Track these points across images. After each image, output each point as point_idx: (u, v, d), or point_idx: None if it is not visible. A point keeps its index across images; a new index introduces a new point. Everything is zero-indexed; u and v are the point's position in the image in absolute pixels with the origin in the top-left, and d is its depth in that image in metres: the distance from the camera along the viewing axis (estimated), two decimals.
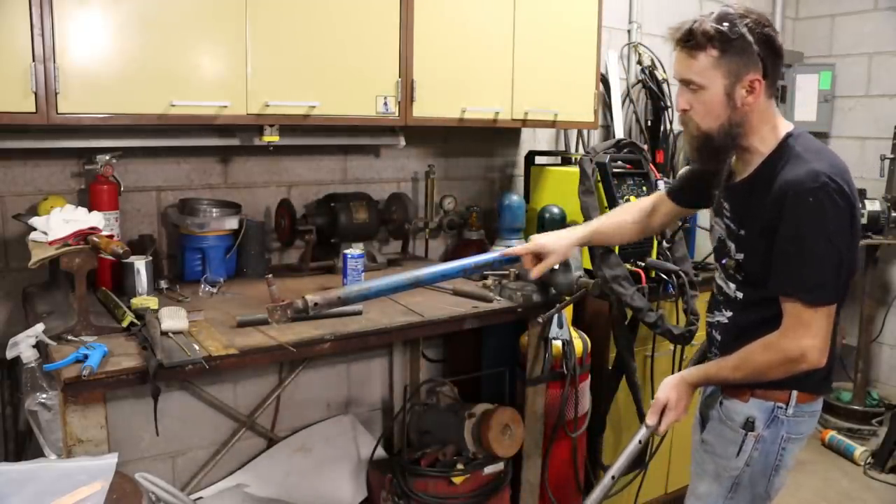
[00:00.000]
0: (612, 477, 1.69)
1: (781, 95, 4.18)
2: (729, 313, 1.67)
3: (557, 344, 2.53)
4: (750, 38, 1.46)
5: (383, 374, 2.98)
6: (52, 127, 1.93)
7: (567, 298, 2.24)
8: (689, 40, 1.49)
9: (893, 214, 3.67)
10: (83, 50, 1.85)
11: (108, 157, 2.14)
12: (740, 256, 1.60)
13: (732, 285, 1.64)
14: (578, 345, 2.61)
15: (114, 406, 2.28)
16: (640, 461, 2.64)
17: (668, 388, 1.68)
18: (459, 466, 2.41)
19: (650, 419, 1.68)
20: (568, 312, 2.64)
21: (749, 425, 1.60)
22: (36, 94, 1.79)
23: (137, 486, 1.50)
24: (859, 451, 3.60)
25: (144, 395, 1.98)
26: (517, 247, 2.00)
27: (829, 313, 1.47)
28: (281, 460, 2.66)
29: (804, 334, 1.46)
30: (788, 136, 1.54)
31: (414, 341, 2.86)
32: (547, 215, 2.77)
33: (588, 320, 2.81)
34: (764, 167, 1.54)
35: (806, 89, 4.21)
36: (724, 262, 1.66)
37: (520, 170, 3.25)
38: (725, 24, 1.46)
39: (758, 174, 1.55)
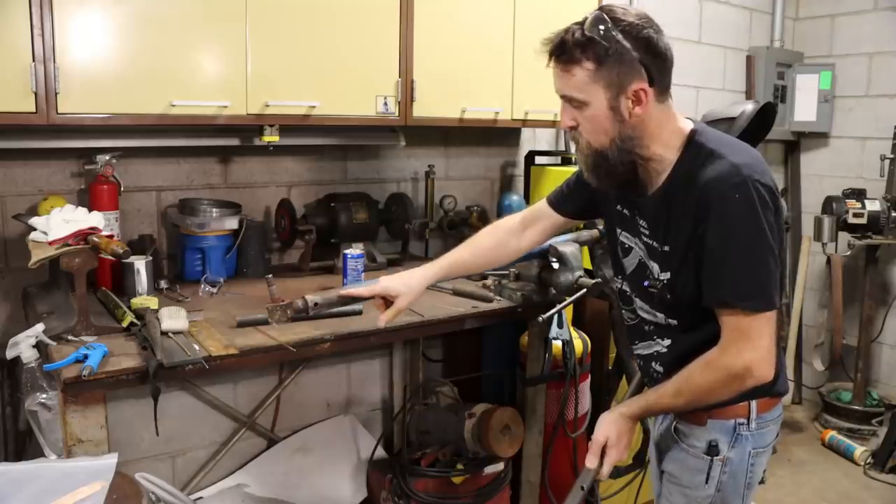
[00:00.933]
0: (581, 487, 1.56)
1: (782, 96, 4.19)
2: (667, 341, 1.52)
3: (557, 344, 2.53)
4: (626, 43, 1.31)
5: (383, 374, 2.98)
6: (52, 127, 1.92)
7: (567, 298, 2.24)
8: (562, 54, 1.37)
9: (893, 214, 3.67)
10: (83, 50, 1.85)
11: (108, 157, 2.15)
12: (666, 276, 1.44)
13: (661, 314, 1.50)
14: (578, 345, 2.61)
15: (114, 406, 2.28)
16: (639, 461, 2.64)
17: (607, 424, 1.52)
18: (459, 466, 2.41)
19: (590, 461, 1.52)
20: (568, 312, 2.64)
21: (713, 450, 1.48)
22: (36, 94, 1.79)
23: (137, 486, 1.50)
24: (859, 451, 3.60)
25: (144, 395, 1.97)
26: (361, 288, 1.67)
27: (770, 319, 1.34)
28: (281, 460, 2.66)
29: (745, 347, 1.33)
30: (693, 133, 1.41)
31: (414, 341, 2.86)
32: None
33: (588, 320, 2.81)
34: (677, 172, 1.40)
35: (806, 89, 4.21)
36: (646, 284, 1.50)
37: (520, 170, 3.25)
38: (599, 28, 1.32)
39: (672, 181, 1.41)
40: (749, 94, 4.13)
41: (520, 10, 2.61)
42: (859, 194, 3.75)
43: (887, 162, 3.77)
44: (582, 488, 1.56)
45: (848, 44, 4.17)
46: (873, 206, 3.69)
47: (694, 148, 1.40)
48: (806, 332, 4.36)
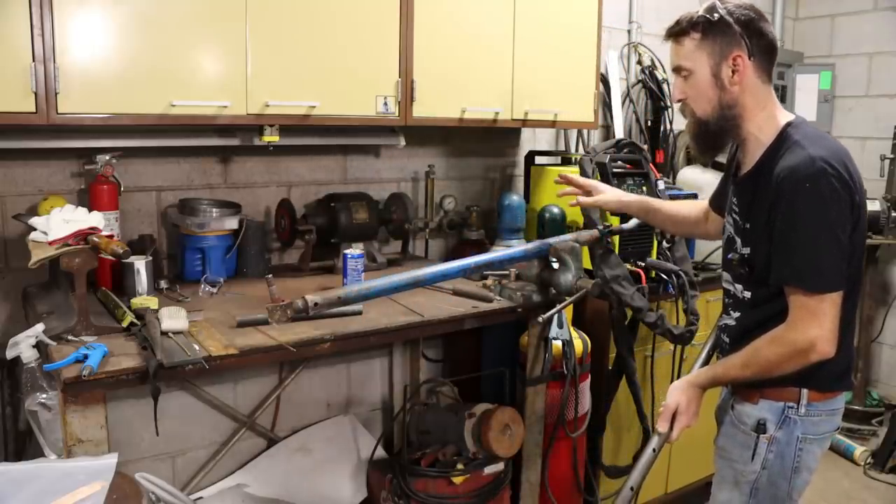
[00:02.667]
0: (631, 489, 1.69)
1: (781, 96, 4.18)
2: (737, 314, 1.66)
3: (557, 344, 2.53)
4: (729, 18, 1.52)
5: (383, 374, 2.98)
6: (53, 127, 1.92)
7: (567, 298, 2.24)
8: (675, 28, 1.59)
9: (893, 214, 3.67)
10: (83, 50, 1.85)
11: (108, 157, 2.14)
12: (746, 251, 1.59)
13: (739, 286, 1.63)
14: (578, 345, 2.61)
15: (114, 406, 2.28)
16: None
17: (677, 392, 1.67)
18: (459, 466, 2.41)
19: (661, 426, 1.66)
20: (568, 312, 2.64)
21: (760, 427, 1.58)
22: (36, 94, 1.79)
23: (137, 486, 1.50)
24: (859, 451, 3.60)
25: (144, 395, 1.98)
26: (574, 176, 2.19)
27: (835, 301, 1.45)
28: (281, 460, 2.66)
29: (810, 324, 1.44)
30: (788, 125, 1.55)
31: (414, 341, 2.86)
32: (547, 215, 2.77)
33: (588, 320, 2.81)
34: (765, 158, 1.55)
35: (806, 89, 4.21)
36: (729, 256, 1.65)
37: (520, 170, 3.25)
38: (706, 10, 1.54)
39: (760, 165, 1.56)
40: None
41: (520, 10, 2.61)
42: None
43: (887, 162, 3.78)
44: (654, 451, 1.69)
45: (848, 44, 4.17)
46: (873, 206, 3.69)
47: (784, 137, 1.53)
48: None
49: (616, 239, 2.56)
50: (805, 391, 1.56)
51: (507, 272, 2.32)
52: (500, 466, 2.47)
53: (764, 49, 1.55)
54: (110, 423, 1.68)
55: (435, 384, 2.75)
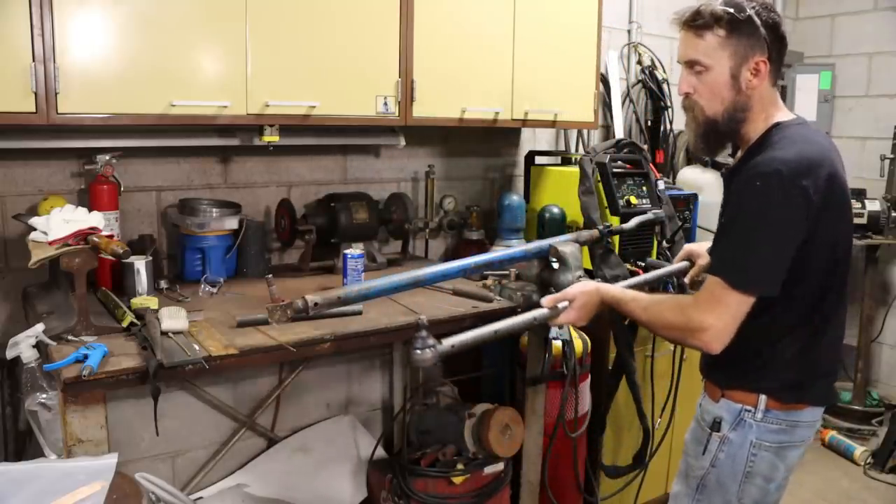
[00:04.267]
0: (495, 331, 1.59)
1: (782, 95, 4.18)
2: None
3: (557, 344, 2.53)
4: (757, 20, 1.47)
5: (383, 374, 2.98)
6: (53, 127, 1.92)
7: None
8: (697, 20, 1.50)
9: (893, 214, 3.67)
10: (83, 50, 1.85)
11: (108, 157, 2.14)
12: None
13: None
14: (578, 345, 2.61)
15: (114, 406, 2.28)
16: (639, 461, 2.64)
17: (583, 291, 1.66)
18: (459, 466, 2.41)
19: (548, 302, 1.67)
20: None
21: (716, 425, 1.57)
22: (36, 94, 1.79)
23: (137, 486, 1.50)
24: (859, 451, 3.60)
25: (144, 395, 1.97)
26: (676, 263, 2.02)
27: (744, 301, 1.42)
28: (281, 460, 2.66)
29: (710, 311, 1.43)
30: (775, 125, 1.52)
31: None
32: (547, 215, 2.78)
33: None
34: (744, 157, 1.54)
35: (806, 89, 4.21)
36: (710, 251, 1.65)
37: (520, 170, 3.25)
38: (733, 6, 1.47)
39: (738, 164, 1.55)
40: None
41: (520, 10, 2.61)
42: (859, 194, 3.75)
43: (887, 162, 3.78)
44: (534, 319, 1.64)
45: (848, 44, 4.17)
46: (873, 206, 3.69)
47: (765, 138, 1.52)
48: None
49: (616, 239, 2.57)
50: (763, 397, 1.53)
51: (507, 272, 2.32)
52: (500, 466, 2.47)
53: (781, 52, 1.53)
54: (110, 423, 1.68)
55: (435, 384, 2.74)
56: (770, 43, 1.49)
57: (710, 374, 1.66)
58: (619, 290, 1.67)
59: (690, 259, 1.98)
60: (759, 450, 1.54)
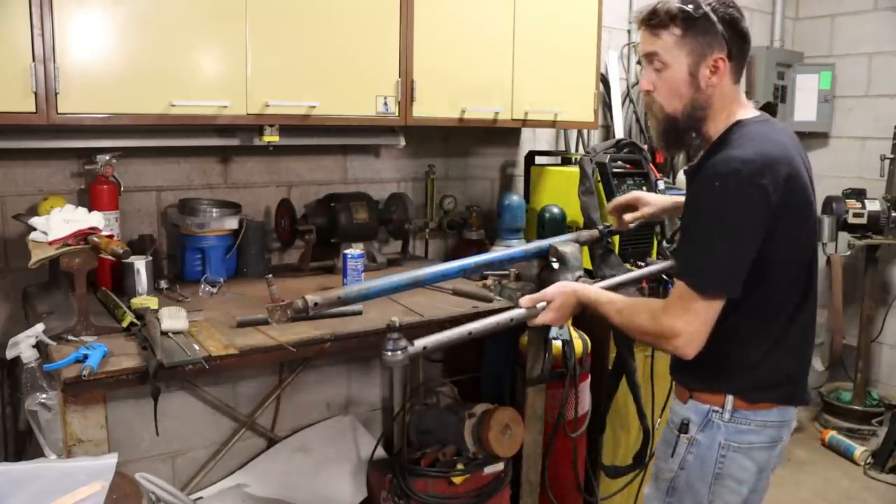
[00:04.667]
0: (469, 332, 1.61)
1: (782, 96, 4.18)
2: None
3: (557, 344, 2.52)
4: (713, 17, 1.45)
5: (383, 374, 2.98)
6: (53, 127, 1.93)
7: None
8: (652, 19, 1.48)
9: (893, 214, 3.67)
10: (83, 50, 1.85)
11: (108, 157, 2.15)
12: None
13: None
14: (578, 345, 2.61)
15: (114, 406, 2.28)
16: (639, 461, 2.64)
17: (561, 292, 1.67)
18: (459, 466, 2.41)
19: (526, 302, 1.68)
20: None
21: (684, 427, 1.56)
22: (36, 94, 1.79)
23: (137, 486, 1.50)
24: (859, 451, 3.60)
25: (144, 395, 1.97)
26: (617, 200, 2.04)
27: (712, 305, 1.41)
28: (281, 460, 2.66)
29: (681, 317, 1.41)
30: (737, 123, 1.49)
31: None
32: (547, 215, 2.77)
33: (588, 320, 2.81)
34: (704, 156, 1.52)
35: (806, 89, 4.21)
36: (673, 251, 1.67)
37: (520, 170, 3.25)
38: (689, 4, 1.45)
39: (698, 163, 1.52)
40: (749, 94, 4.12)
41: (520, 10, 2.61)
42: (859, 194, 3.75)
43: (887, 162, 3.77)
44: (511, 319, 1.66)
45: (848, 44, 4.17)
46: (873, 206, 3.69)
47: (726, 136, 1.49)
48: None
49: (616, 239, 2.56)
50: (730, 397, 1.51)
51: (507, 272, 2.32)
52: (500, 466, 2.47)
53: (741, 49, 1.50)
54: (110, 423, 1.68)
55: (435, 384, 2.75)
56: (729, 39, 1.46)
57: (677, 377, 1.64)
58: (595, 292, 1.66)
59: (635, 205, 1.99)
60: (728, 451, 1.52)
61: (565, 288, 1.68)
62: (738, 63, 1.50)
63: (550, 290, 1.68)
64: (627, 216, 2.01)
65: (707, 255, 1.41)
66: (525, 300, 1.69)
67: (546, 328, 2.42)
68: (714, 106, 1.50)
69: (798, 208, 1.44)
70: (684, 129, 1.53)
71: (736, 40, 1.47)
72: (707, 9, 1.44)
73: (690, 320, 1.41)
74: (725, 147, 1.44)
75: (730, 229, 1.38)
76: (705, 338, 1.43)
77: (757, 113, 1.54)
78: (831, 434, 3.77)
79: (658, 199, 1.99)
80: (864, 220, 3.67)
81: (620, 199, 2.04)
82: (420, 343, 1.50)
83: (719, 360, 1.51)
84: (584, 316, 2.79)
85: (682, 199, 1.87)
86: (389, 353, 1.46)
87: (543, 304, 1.69)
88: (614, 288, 1.82)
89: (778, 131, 1.51)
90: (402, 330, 1.49)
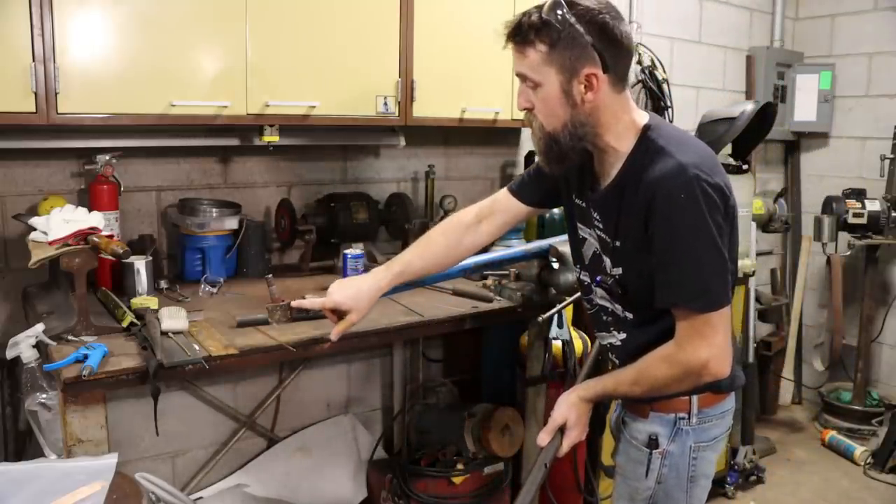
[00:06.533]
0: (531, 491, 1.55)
1: (782, 95, 4.18)
2: (622, 335, 1.55)
3: (557, 344, 2.53)
4: (580, 28, 1.32)
5: (383, 374, 2.98)
6: (53, 127, 1.93)
7: (567, 298, 2.24)
8: (517, 34, 1.38)
9: (893, 214, 3.67)
10: (83, 50, 1.85)
11: (108, 157, 2.14)
12: (618, 271, 1.47)
13: (618, 305, 1.52)
14: (578, 345, 2.61)
15: (114, 406, 2.28)
16: None
17: (566, 406, 1.56)
18: (459, 466, 2.42)
19: (543, 438, 1.55)
20: (568, 312, 2.64)
21: (653, 443, 1.51)
22: (36, 94, 1.79)
23: (137, 486, 1.50)
24: (859, 451, 3.59)
25: (144, 395, 1.97)
26: (313, 300, 1.67)
27: (724, 316, 1.36)
28: (281, 460, 2.66)
29: (701, 344, 1.35)
30: (647, 128, 1.41)
31: (414, 341, 2.86)
32: (547, 215, 2.77)
33: (588, 320, 2.81)
34: (627, 168, 1.41)
35: (806, 89, 4.21)
36: (598, 279, 1.54)
37: (520, 170, 3.25)
38: (556, 13, 1.32)
39: (622, 176, 1.42)
40: (749, 95, 4.12)
41: (520, 11, 2.60)
42: (859, 194, 3.74)
43: (887, 162, 3.77)
44: (545, 465, 1.57)
45: (848, 44, 4.17)
46: (873, 206, 3.68)
47: (644, 143, 1.40)
48: (806, 332, 4.36)
49: None
50: (695, 398, 1.48)
51: (507, 272, 2.32)
52: (500, 466, 2.47)
53: (620, 58, 1.37)
54: (110, 423, 1.68)
55: (435, 384, 2.75)
56: (601, 50, 1.33)
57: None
58: (599, 382, 1.55)
59: (338, 313, 1.65)
60: (699, 451, 1.52)
61: (570, 400, 1.56)
62: (618, 71, 1.37)
63: (559, 412, 1.56)
64: (335, 332, 1.66)
65: (703, 274, 1.34)
66: (543, 437, 1.56)
67: (546, 328, 2.42)
68: (601, 120, 1.40)
69: (733, 206, 1.41)
70: (567, 146, 1.41)
71: (609, 49, 1.34)
72: (572, 19, 1.32)
73: (712, 342, 1.35)
74: (660, 154, 1.35)
75: (710, 237, 1.33)
76: (730, 349, 1.39)
77: (645, 113, 1.47)
78: (831, 434, 3.77)
79: (359, 301, 1.64)
80: (864, 220, 3.67)
81: (316, 303, 1.66)
82: None
83: None
84: (584, 316, 2.81)
85: (385, 279, 1.67)
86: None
87: (559, 427, 1.57)
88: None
89: (680, 129, 1.48)
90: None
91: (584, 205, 1.54)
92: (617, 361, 1.60)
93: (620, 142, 1.42)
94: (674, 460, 1.51)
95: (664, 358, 1.41)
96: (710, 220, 1.32)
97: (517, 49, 1.40)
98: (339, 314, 1.65)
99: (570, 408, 1.56)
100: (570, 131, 1.40)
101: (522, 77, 1.41)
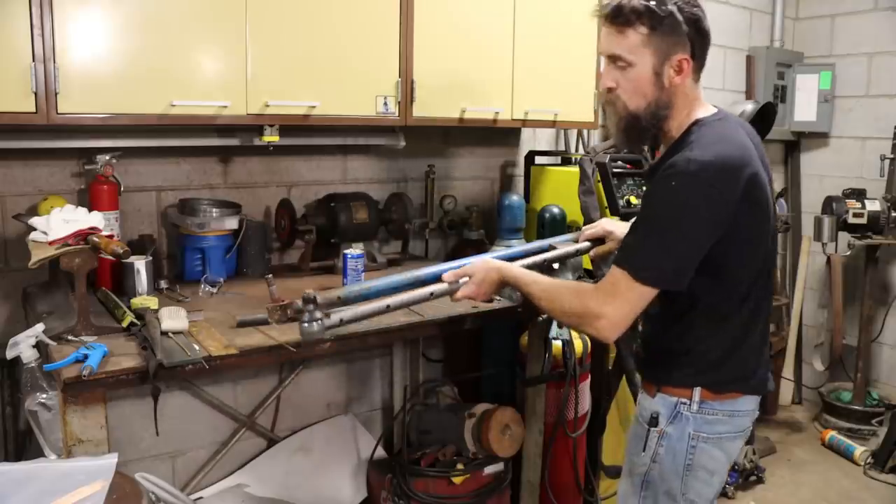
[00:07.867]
0: (387, 306, 1.60)
1: (782, 96, 4.18)
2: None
3: (557, 344, 2.53)
4: (679, 17, 1.44)
5: (383, 374, 2.98)
6: (53, 127, 1.93)
7: None
8: (618, 16, 1.46)
9: (893, 214, 3.67)
10: (83, 50, 1.85)
11: (108, 157, 2.14)
12: None
13: None
14: (578, 345, 2.62)
15: (114, 406, 2.28)
16: None
17: (481, 265, 1.66)
18: (459, 466, 2.42)
19: (448, 276, 1.66)
20: None
21: (653, 421, 1.56)
22: (36, 94, 1.79)
23: (137, 486, 1.50)
24: (859, 451, 3.60)
25: (144, 395, 1.98)
26: (588, 231, 1.95)
27: (645, 294, 1.42)
28: (281, 460, 2.66)
29: (608, 301, 1.44)
30: (695, 122, 1.51)
31: (414, 341, 2.86)
32: (547, 215, 2.77)
33: None
34: (664, 155, 1.52)
35: (806, 89, 4.21)
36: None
37: (520, 170, 3.25)
38: (655, 1, 1.43)
39: (659, 161, 1.53)
40: (749, 94, 4.13)
41: (520, 11, 2.61)
42: (859, 194, 3.75)
43: (887, 162, 3.77)
44: (431, 294, 1.65)
45: (848, 44, 4.17)
46: (873, 206, 3.69)
47: (685, 136, 1.50)
48: (806, 332, 4.36)
49: None
50: (697, 389, 1.53)
51: None
52: (500, 466, 2.47)
53: (703, 47, 1.50)
54: (110, 423, 1.68)
55: (435, 384, 2.75)
56: (693, 39, 1.46)
57: (645, 372, 1.67)
58: (520, 271, 1.67)
59: (602, 238, 1.93)
60: (699, 441, 1.54)
61: (488, 263, 1.68)
62: (699, 62, 1.51)
63: (474, 266, 1.67)
64: (592, 254, 1.95)
65: (649, 248, 1.42)
66: (448, 275, 1.68)
67: (546, 328, 2.42)
68: (676, 105, 1.51)
69: (756, 206, 1.46)
70: (645, 127, 1.53)
71: (699, 40, 1.48)
72: (673, 7, 1.43)
73: (620, 305, 1.43)
74: (685, 147, 1.45)
75: (677, 228, 1.40)
76: (629, 324, 1.46)
77: (714, 110, 1.55)
78: (831, 434, 3.77)
79: (623, 232, 1.87)
80: (864, 220, 3.67)
81: (591, 231, 1.97)
82: (336, 316, 1.52)
83: (685, 355, 1.55)
84: None
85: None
86: (306, 325, 1.47)
87: (466, 278, 1.68)
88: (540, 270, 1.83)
89: (736, 129, 1.52)
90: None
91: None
92: (639, 328, 1.69)
93: (678, 130, 1.53)
94: (671, 443, 1.55)
95: (577, 291, 1.52)
96: (688, 212, 1.39)
97: (617, 29, 1.47)
98: (601, 241, 1.92)
99: (484, 268, 1.66)
100: (653, 111, 1.51)
101: (615, 58, 1.49)
